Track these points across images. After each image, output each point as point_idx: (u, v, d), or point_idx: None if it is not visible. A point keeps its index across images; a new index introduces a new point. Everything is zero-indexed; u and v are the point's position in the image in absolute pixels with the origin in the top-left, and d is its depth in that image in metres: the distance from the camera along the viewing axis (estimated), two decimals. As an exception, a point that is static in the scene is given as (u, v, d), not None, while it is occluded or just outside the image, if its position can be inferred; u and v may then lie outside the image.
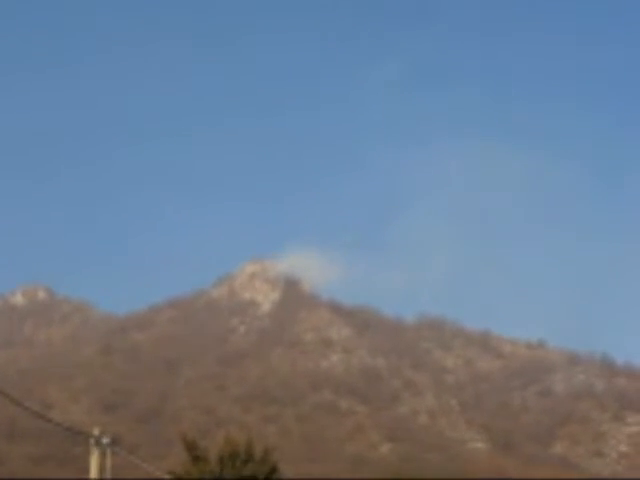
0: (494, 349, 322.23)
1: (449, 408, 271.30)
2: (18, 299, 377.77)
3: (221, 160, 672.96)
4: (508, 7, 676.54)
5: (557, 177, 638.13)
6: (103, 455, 35.93)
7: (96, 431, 36.15)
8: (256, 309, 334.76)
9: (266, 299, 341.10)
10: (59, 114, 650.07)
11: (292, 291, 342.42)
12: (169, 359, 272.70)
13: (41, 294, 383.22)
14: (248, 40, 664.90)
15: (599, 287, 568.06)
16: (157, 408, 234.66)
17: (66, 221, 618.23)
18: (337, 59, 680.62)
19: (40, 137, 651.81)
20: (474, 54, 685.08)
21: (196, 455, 58.90)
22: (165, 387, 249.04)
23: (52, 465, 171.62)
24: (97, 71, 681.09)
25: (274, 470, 60.83)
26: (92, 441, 35.92)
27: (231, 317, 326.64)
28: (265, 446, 62.14)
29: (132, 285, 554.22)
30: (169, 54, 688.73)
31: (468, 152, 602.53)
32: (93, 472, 35.92)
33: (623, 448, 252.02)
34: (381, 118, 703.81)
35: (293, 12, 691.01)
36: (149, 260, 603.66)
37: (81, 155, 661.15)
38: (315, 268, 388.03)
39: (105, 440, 35.84)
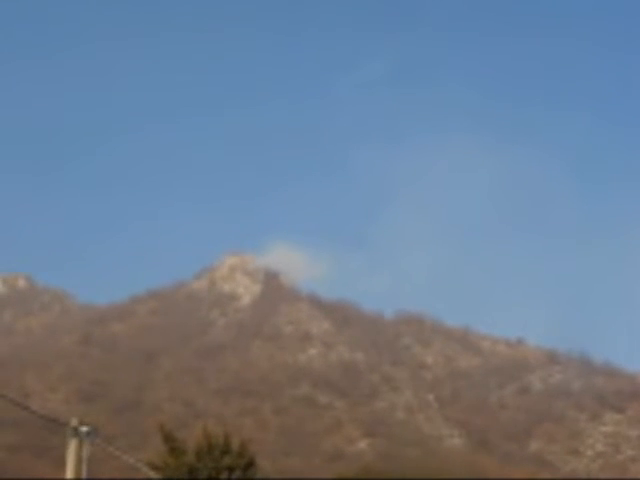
0: (473, 346, 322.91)
1: (427, 404, 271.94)
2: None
3: (204, 154, 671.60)
4: (491, 6, 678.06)
5: (540, 175, 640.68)
6: (80, 445, 35.81)
7: (74, 421, 36.04)
8: (236, 302, 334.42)
9: (246, 292, 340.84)
10: (43, 105, 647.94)
11: (272, 284, 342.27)
12: (148, 350, 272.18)
13: (21, 283, 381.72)
14: (229, 34, 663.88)
15: (579, 286, 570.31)
16: (135, 399, 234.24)
17: (48, 210, 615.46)
18: (321, 57, 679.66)
19: (19, 127, 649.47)
20: (458, 52, 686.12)
21: (174, 446, 58.93)
22: (144, 378, 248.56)
23: (29, 454, 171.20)
24: (78, 66, 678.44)
25: (251, 463, 60.93)
26: (70, 431, 35.80)
27: (211, 309, 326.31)
28: (243, 439, 62.21)
29: (112, 276, 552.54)
30: (149, 49, 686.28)
31: (451, 149, 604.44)
32: (70, 462, 35.81)
33: (599, 447, 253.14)
34: (367, 115, 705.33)
35: (275, 9, 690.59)
36: (130, 251, 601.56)
37: (62, 146, 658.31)
38: (299, 264, 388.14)
39: (83, 429, 35.74)
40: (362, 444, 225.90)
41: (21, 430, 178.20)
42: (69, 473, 35.61)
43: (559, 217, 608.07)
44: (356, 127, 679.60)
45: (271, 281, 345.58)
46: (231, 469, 59.25)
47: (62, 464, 37.32)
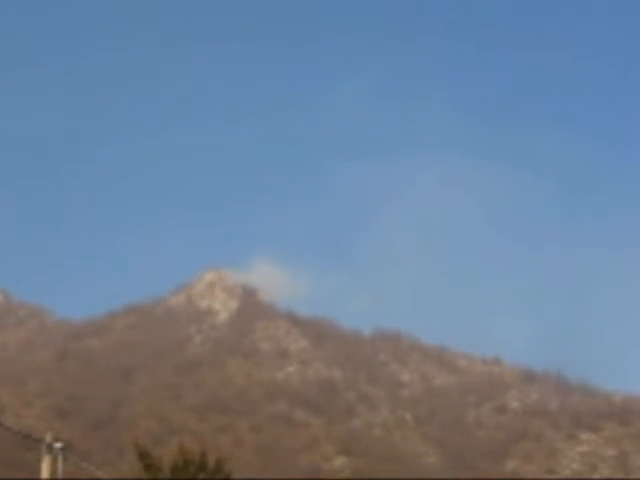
0: (450, 364, 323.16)
1: (404, 422, 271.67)
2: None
3: (184, 168, 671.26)
4: (480, 23, 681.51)
5: (521, 192, 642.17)
6: (55, 461, 35.55)
7: (48, 437, 35.79)
8: (214, 318, 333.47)
9: (224, 308, 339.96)
10: (27, 115, 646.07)
11: (250, 301, 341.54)
12: (125, 366, 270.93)
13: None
14: (214, 48, 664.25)
15: (556, 305, 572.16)
16: (111, 415, 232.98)
17: (24, 224, 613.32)
18: (308, 71, 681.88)
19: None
20: (445, 68, 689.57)
21: (149, 463, 58.57)
22: (120, 394, 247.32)
23: (2, 470, 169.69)
24: (76, 73, 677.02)
25: (227, 480, 60.64)
26: (44, 447, 35.54)
27: (188, 325, 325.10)
28: (219, 456, 61.94)
29: (89, 291, 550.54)
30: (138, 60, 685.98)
31: (435, 166, 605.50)
32: (44, 478, 35.55)
33: (576, 466, 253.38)
34: (351, 130, 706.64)
35: (263, 24, 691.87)
36: (107, 266, 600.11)
37: (38, 158, 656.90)
38: (280, 280, 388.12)
39: (57, 445, 35.49)
40: (338, 462, 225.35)
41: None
42: (43, 489, 35.34)
43: (540, 236, 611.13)
44: (340, 142, 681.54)
45: (249, 297, 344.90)
46: (206, 486, 58.96)
47: None
